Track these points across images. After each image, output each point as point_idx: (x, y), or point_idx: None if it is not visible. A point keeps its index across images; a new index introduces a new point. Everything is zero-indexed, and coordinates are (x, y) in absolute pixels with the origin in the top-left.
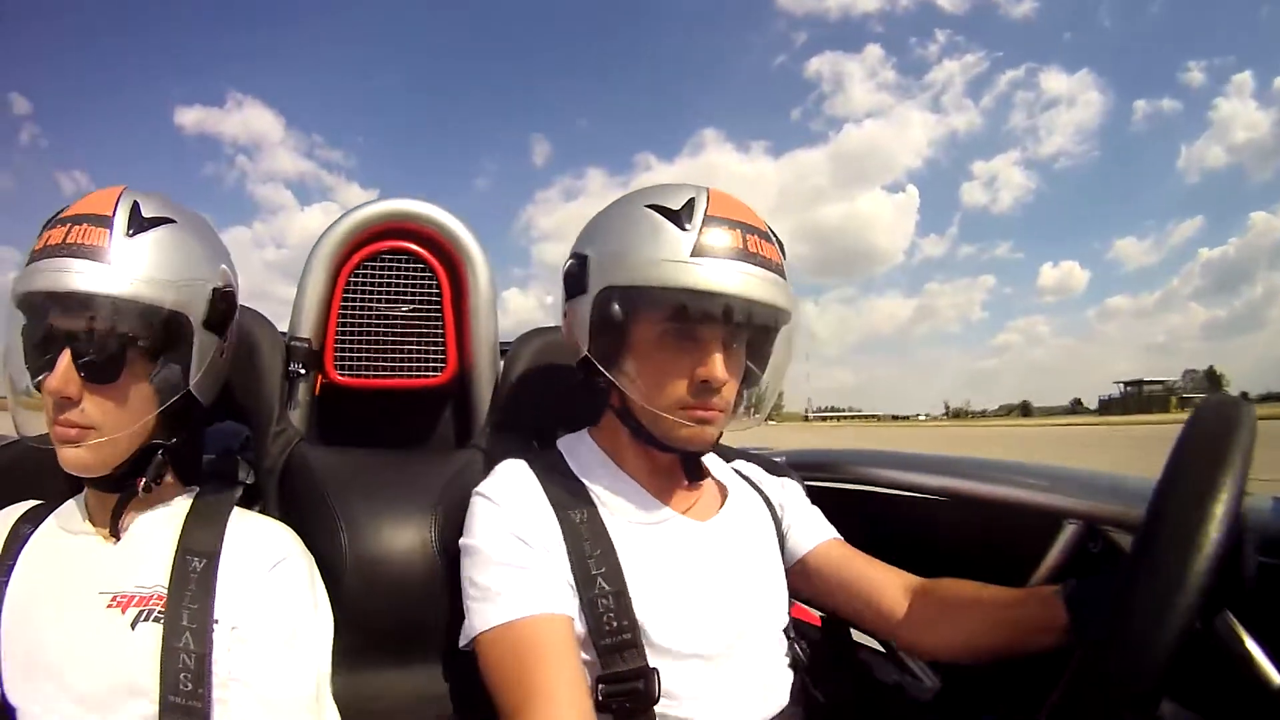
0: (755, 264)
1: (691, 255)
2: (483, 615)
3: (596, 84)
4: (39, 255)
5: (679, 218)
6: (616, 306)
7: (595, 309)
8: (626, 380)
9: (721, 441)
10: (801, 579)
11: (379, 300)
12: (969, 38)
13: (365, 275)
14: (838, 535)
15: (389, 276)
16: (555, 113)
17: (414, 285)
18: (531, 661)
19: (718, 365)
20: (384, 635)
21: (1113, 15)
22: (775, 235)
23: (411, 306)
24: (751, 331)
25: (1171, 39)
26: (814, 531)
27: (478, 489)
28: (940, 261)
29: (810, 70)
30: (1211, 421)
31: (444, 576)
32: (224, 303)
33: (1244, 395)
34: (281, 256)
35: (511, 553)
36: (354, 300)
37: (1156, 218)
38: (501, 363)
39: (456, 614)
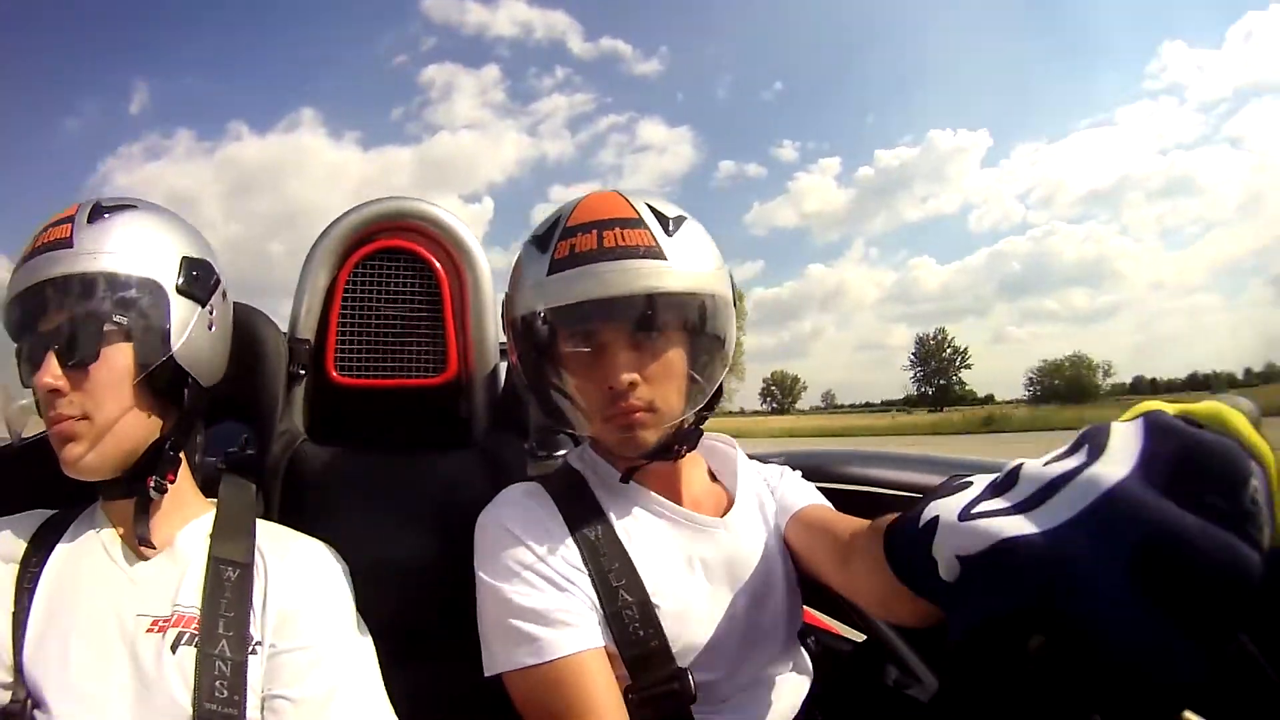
0: (613, 259)
1: (548, 274)
2: (513, 655)
3: (215, 40)
4: (14, 274)
5: (544, 241)
6: (517, 341)
7: (510, 347)
8: (559, 404)
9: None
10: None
11: (379, 300)
12: (586, 80)
13: (365, 274)
14: (825, 502)
15: (389, 275)
16: (163, 60)
17: (414, 284)
18: (571, 698)
19: (617, 370)
20: (385, 634)
21: (730, 90)
22: (658, 213)
23: (410, 308)
24: (649, 322)
25: (776, 120)
26: (798, 497)
27: (490, 513)
28: (500, 274)
29: (425, 76)
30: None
31: (446, 577)
32: (198, 271)
33: None
34: None
35: (535, 595)
36: (354, 299)
37: None
38: (504, 363)
39: (458, 615)
